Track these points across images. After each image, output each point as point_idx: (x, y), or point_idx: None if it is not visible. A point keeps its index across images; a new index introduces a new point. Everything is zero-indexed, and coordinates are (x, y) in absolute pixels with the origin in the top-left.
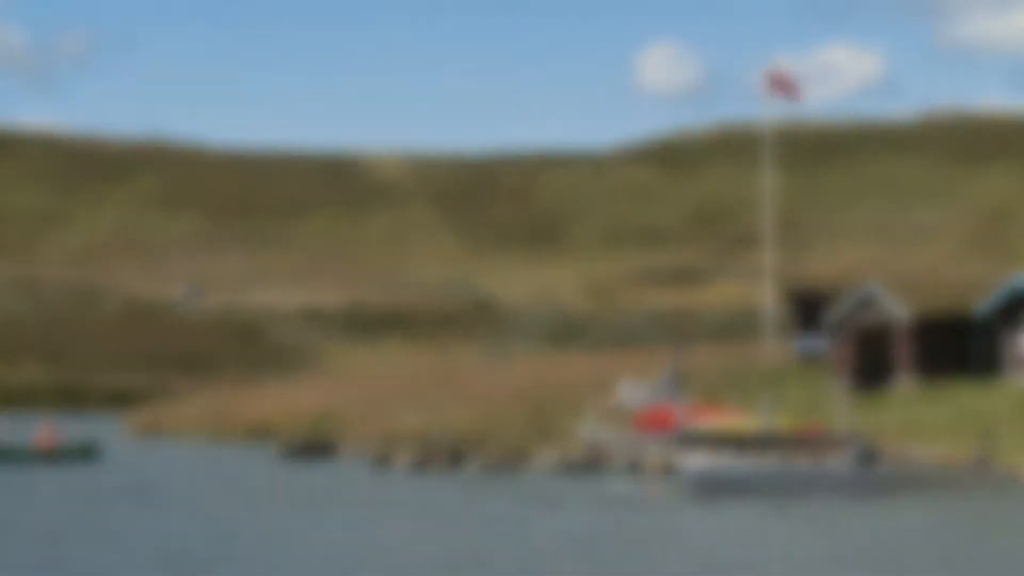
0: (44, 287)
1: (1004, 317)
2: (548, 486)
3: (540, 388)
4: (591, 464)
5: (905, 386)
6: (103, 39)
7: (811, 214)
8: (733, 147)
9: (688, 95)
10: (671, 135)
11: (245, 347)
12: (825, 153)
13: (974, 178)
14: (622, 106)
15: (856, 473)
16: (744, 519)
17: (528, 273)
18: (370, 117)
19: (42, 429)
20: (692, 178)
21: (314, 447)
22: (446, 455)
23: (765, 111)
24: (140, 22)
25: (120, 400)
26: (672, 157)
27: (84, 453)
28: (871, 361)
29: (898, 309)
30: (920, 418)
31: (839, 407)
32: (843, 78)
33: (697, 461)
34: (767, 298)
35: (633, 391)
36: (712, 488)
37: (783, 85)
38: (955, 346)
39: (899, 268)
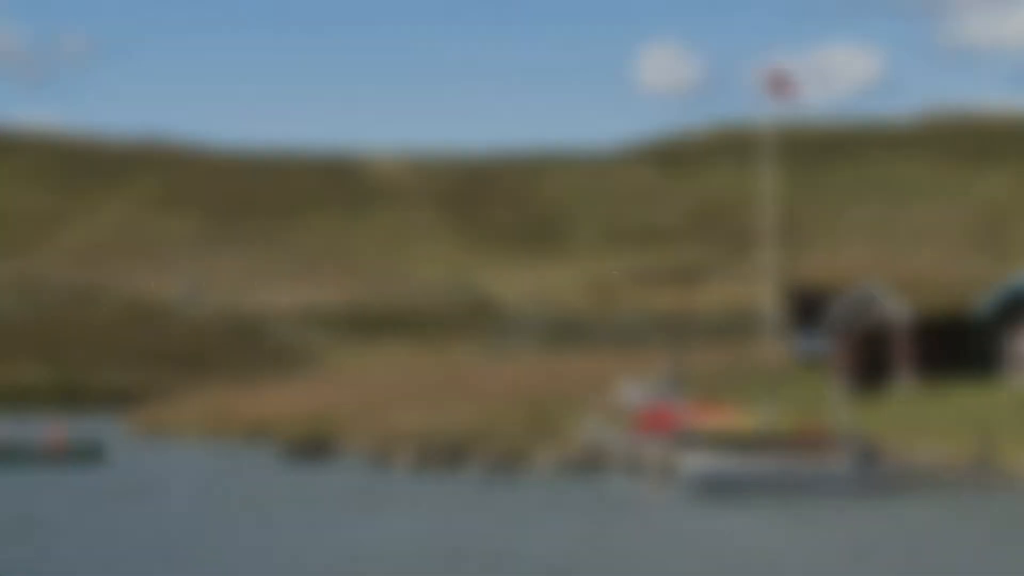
0: (44, 287)
1: (1004, 317)
2: (548, 486)
3: (540, 388)
4: (591, 464)
5: (905, 386)
6: (103, 39)
7: (811, 214)
8: (733, 147)
9: (688, 95)
10: (671, 135)
11: (245, 347)
12: (825, 153)
13: (974, 178)
14: (622, 106)
15: (856, 473)
16: (744, 519)
17: (528, 273)
18: (370, 117)
19: (49, 430)
20: (692, 178)
21: (314, 447)
22: (446, 455)
23: (765, 111)
24: (140, 23)
25: (120, 400)
26: (672, 157)
27: (91, 454)
28: (871, 361)
29: (898, 309)
30: (920, 418)
31: (839, 407)
32: (843, 78)
33: (697, 461)
34: (767, 298)
35: (633, 391)
36: (712, 488)
37: (781, 85)
38: (955, 346)
39: (899, 268)
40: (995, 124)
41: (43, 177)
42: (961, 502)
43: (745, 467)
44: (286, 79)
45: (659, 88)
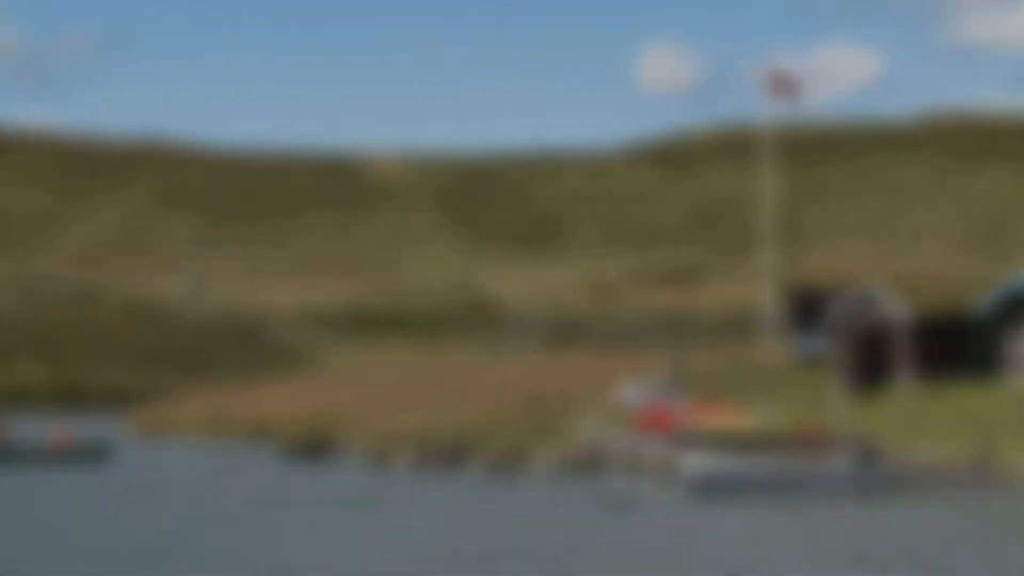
0: (43, 287)
1: (1003, 317)
2: (548, 486)
3: (540, 388)
4: (591, 464)
5: (905, 386)
6: (103, 39)
7: (811, 214)
8: (733, 147)
9: (688, 94)
10: (671, 135)
11: (245, 347)
12: (825, 153)
13: (974, 178)
14: (622, 106)
15: (855, 473)
16: (743, 519)
17: (528, 273)
18: (370, 117)
19: (55, 430)
20: (692, 178)
21: (314, 447)
22: (446, 455)
23: (765, 111)
24: (140, 22)
25: (120, 400)
26: (672, 157)
27: (97, 454)
28: (870, 361)
29: (898, 309)
30: (920, 418)
31: (838, 407)
32: (843, 78)
33: (697, 461)
34: (767, 298)
35: (633, 391)
36: (711, 488)
37: (783, 85)
38: (955, 346)
39: (899, 268)
40: (995, 124)
41: (43, 177)
42: (961, 502)
43: (745, 467)
44: (286, 79)
45: (659, 88)
